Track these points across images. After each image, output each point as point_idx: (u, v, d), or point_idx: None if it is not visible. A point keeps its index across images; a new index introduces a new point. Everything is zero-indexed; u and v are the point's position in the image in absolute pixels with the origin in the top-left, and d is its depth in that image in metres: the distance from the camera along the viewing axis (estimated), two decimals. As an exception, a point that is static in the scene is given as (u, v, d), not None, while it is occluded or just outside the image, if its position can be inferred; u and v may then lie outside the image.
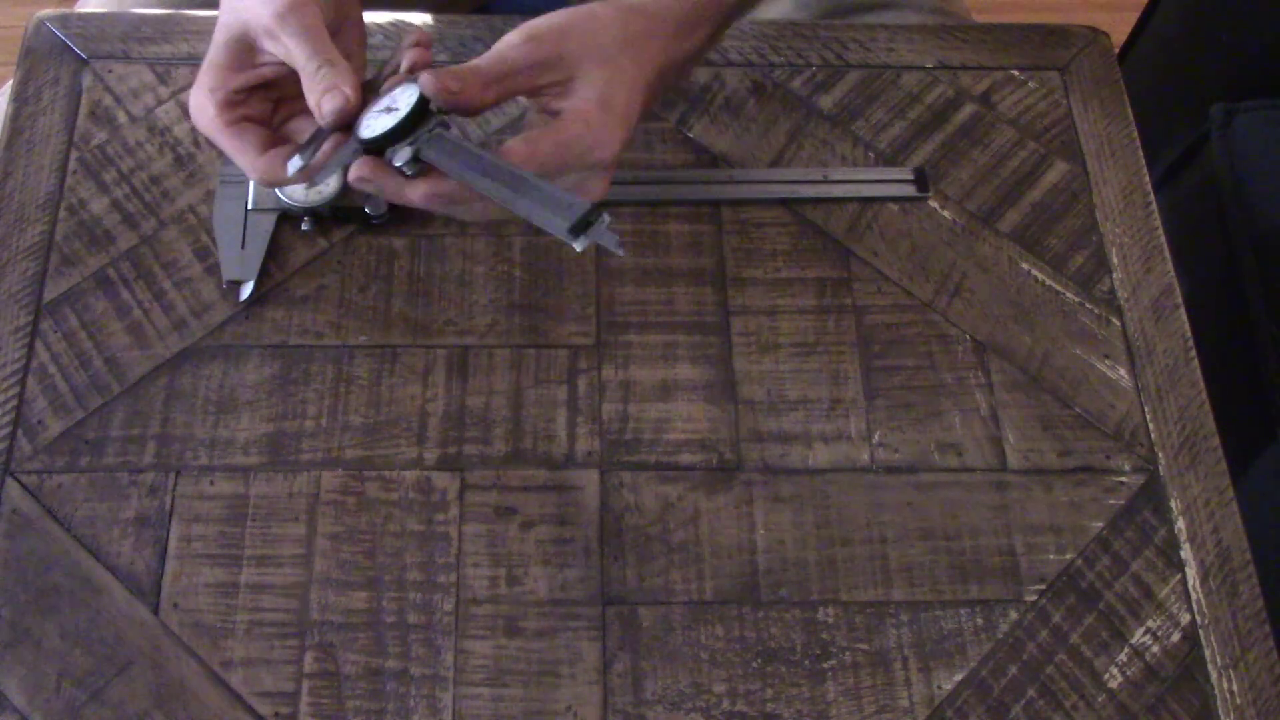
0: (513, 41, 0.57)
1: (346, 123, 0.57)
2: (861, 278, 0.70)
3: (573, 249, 0.51)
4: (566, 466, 0.64)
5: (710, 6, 0.63)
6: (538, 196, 0.52)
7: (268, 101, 0.61)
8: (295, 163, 0.57)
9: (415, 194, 0.56)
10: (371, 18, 0.76)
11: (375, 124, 0.56)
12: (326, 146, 0.57)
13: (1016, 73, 0.77)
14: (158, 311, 0.67)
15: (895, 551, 0.62)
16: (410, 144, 0.55)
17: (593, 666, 0.59)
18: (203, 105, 0.59)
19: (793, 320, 0.68)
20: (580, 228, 0.51)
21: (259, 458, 0.63)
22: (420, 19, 0.77)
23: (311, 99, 0.56)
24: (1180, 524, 0.63)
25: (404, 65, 0.58)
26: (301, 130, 0.61)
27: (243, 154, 0.59)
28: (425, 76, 0.55)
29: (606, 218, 0.51)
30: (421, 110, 0.55)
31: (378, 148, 0.55)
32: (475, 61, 0.56)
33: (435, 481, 0.63)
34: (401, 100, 0.56)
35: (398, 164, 0.55)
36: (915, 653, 0.60)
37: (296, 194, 0.68)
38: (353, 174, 0.56)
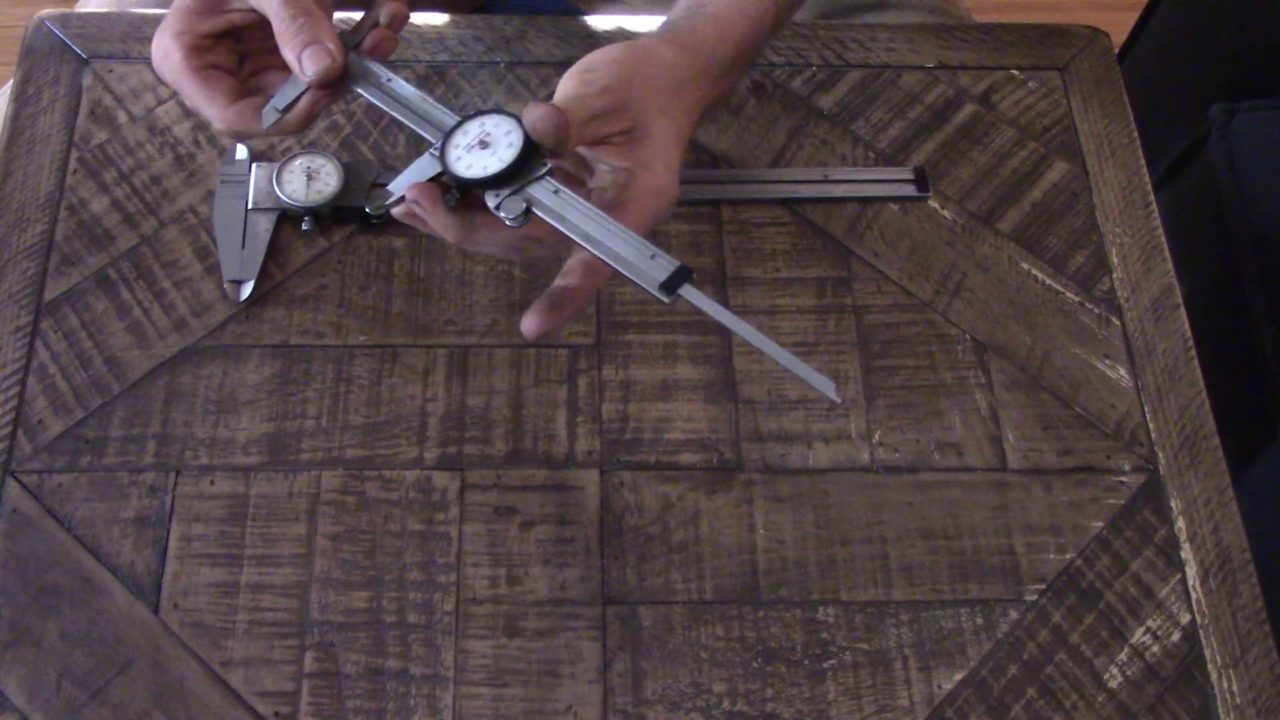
0: (587, 92, 0.54)
1: (332, 82, 0.55)
2: (861, 278, 0.70)
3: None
4: (566, 466, 0.64)
5: (749, 50, 0.62)
6: (629, 261, 0.51)
7: (234, 53, 0.59)
8: (270, 114, 0.56)
9: (498, 239, 0.54)
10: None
11: (472, 160, 0.52)
12: (304, 102, 0.56)
13: (1016, 73, 0.77)
14: (158, 311, 0.67)
15: (895, 551, 0.62)
16: (516, 193, 0.52)
17: (593, 666, 0.59)
18: (168, 50, 0.57)
19: (793, 320, 0.68)
20: (670, 287, 0.50)
21: (259, 457, 0.63)
22: (424, 18, 0.77)
23: (289, 52, 0.55)
24: (1180, 524, 0.63)
25: (382, 18, 0.57)
26: (272, 85, 0.59)
27: (211, 102, 0.57)
28: (538, 113, 0.51)
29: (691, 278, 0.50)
30: (527, 154, 0.52)
31: (473, 186, 0.52)
32: (563, 105, 0.53)
33: (435, 481, 0.63)
34: (497, 135, 0.52)
35: (505, 215, 0.52)
36: (915, 652, 0.60)
37: (297, 194, 0.68)
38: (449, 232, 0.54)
